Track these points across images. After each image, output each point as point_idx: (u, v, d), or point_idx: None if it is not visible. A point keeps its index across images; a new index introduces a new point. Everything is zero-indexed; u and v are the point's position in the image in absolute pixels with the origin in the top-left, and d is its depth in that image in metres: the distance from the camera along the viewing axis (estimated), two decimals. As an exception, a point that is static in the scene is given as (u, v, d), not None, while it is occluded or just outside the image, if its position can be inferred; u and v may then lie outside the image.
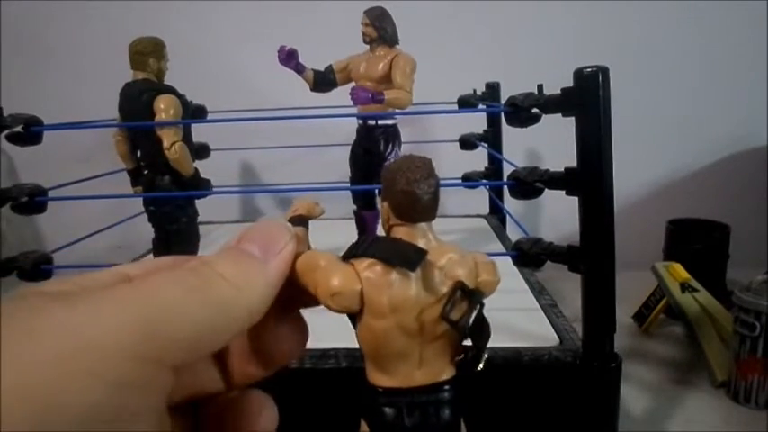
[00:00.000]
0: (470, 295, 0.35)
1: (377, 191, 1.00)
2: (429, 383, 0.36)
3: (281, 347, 0.28)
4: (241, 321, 0.21)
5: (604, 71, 0.62)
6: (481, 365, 0.36)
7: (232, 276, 0.20)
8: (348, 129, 1.04)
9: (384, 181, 0.36)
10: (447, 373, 0.37)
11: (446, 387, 0.37)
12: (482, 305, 0.35)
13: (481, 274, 0.37)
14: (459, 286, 0.35)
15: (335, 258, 0.33)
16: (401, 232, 0.36)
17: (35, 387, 0.15)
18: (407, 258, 0.33)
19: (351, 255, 0.34)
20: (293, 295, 0.27)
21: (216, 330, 0.19)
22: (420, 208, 0.36)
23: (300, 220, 0.39)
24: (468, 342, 0.36)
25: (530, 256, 0.69)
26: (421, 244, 0.35)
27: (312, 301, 0.29)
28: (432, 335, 0.35)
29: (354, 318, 0.36)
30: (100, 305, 0.17)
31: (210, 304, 0.19)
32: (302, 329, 0.30)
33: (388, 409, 0.36)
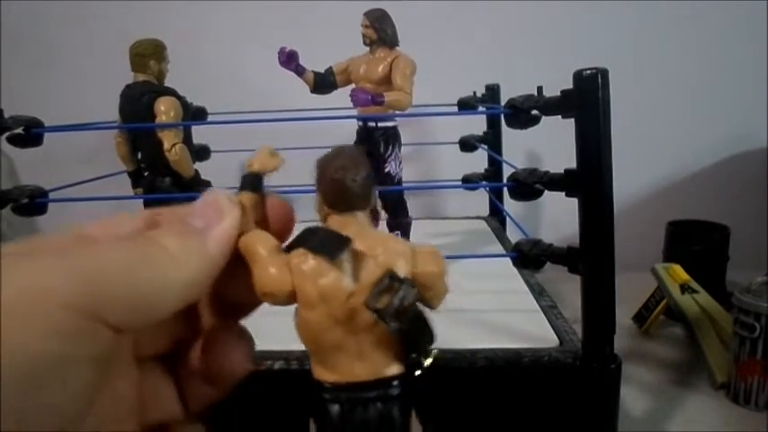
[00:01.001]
0: (401, 284, 0.33)
1: (377, 192, 1.01)
2: (373, 379, 0.35)
3: (229, 359, 0.29)
4: (178, 291, 0.21)
5: (604, 73, 0.62)
6: (424, 366, 0.34)
7: (172, 248, 0.21)
8: (348, 130, 1.05)
9: (316, 171, 0.37)
10: (394, 368, 0.36)
11: (393, 383, 0.36)
12: (415, 297, 0.34)
13: (422, 265, 0.36)
14: (389, 274, 0.33)
15: (274, 248, 0.32)
16: (334, 221, 0.36)
17: None
18: (329, 247, 0.33)
19: (292, 245, 0.34)
20: (236, 290, 0.27)
21: (153, 298, 0.20)
22: (349, 196, 0.35)
23: (253, 179, 0.36)
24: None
25: (529, 257, 0.69)
26: (352, 232, 0.34)
27: (253, 298, 0.29)
28: (364, 326, 0.34)
29: None
30: (43, 260, 0.18)
31: (148, 271, 0.20)
32: (247, 338, 0.30)
33: (332, 405, 0.35)
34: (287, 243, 0.34)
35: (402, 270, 0.35)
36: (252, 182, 0.35)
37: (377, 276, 0.33)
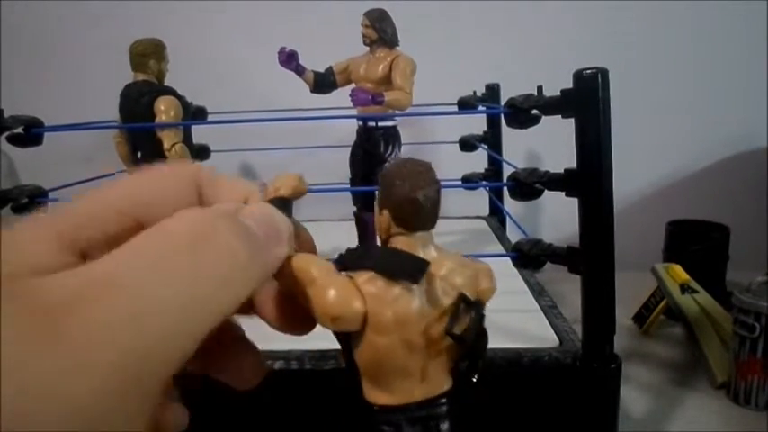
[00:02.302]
0: (473, 307, 0.34)
1: (377, 192, 1.01)
2: (428, 398, 0.35)
3: (242, 370, 0.26)
4: (234, 307, 0.18)
5: (604, 72, 0.62)
6: (477, 376, 0.35)
7: (242, 258, 0.17)
8: (348, 130, 1.05)
9: (383, 187, 0.35)
10: (445, 385, 0.36)
11: (443, 400, 0.36)
12: (483, 317, 0.35)
13: (481, 283, 0.36)
14: (463, 298, 0.34)
15: (331, 269, 0.31)
16: (401, 242, 0.34)
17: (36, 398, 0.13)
18: (410, 271, 0.32)
19: (347, 265, 0.32)
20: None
21: (204, 327, 0.17)
22: (423, 216, 0.34)
23: (283, 204, 0.31)
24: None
25: (530, 257, 0.69)
26: (421, 254, 0.34)
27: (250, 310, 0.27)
28: (436, 349, 0.34)
29: (345, 336, 0.34)
30: (87, 324, 0.15)
31: (215, 293, 0.17)
32: (254, 348, 0.27)
33: (386, 428, 0.35)
34: (336, 259, 0.32)
35: (468, 289, 0.35)
36: (281, 208, 0.30)
37: (450, 299, 0.33)
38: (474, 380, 0.35)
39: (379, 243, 0.37)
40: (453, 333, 0.32)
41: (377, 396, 0.35)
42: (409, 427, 0.35)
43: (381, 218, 0.35)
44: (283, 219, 0.22)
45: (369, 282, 0.31)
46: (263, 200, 0.27)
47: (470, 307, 0.34)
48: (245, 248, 0.18)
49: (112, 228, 0.19)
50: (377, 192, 0.35)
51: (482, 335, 0.34)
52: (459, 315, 0.33)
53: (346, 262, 0.32)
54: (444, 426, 0.36)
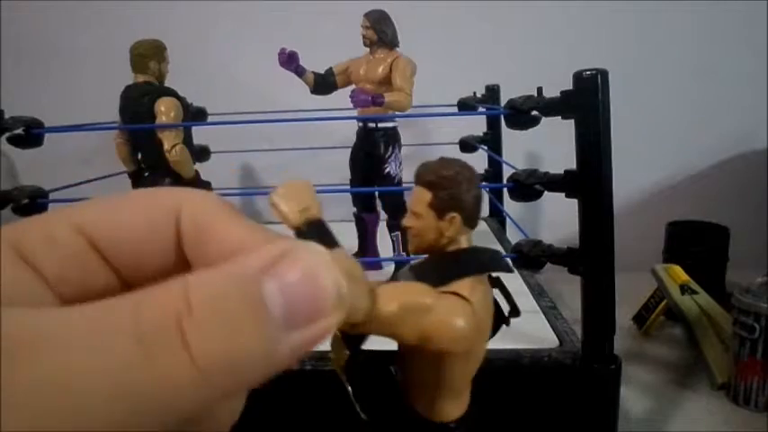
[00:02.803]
0: (501, 286, 0.37)
1: (377, 193, 1.01)
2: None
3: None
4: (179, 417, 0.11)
5: (603, 74, 0.62)
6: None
7: (250, 348, 0.12)
8: (348, 131, 1.05)
9: (455, 193, 0.34)
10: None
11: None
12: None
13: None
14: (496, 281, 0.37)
15: (433, 291, 0.30)
16: (468, 241, 0.35)
17: None
18: (500, 261, 0.33)
19: (440, 280, 0.31)
20: None
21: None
22: (480, 211, 0.36)
23: (317, 229, 0.23)
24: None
25: (529, 258, 0.69)
26: (474, 245, 0.36)
27: None
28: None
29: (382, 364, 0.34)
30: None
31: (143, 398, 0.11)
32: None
33: None
34: (413, 273, 0.32)
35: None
36: (318, 231, 0.23)
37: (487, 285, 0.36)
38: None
39: (397, 245, 0.39)
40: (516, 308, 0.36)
41: (453, 410, 0.34)
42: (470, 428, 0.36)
43: (443, 223, 0.33)
44: (330, 276, 0.13)
45: (473, 291, 0.31)
46: (289, 225, 0.20)
47: (501, 287, 0.37)
48: (253, 338, 0.12)
49: (63, 250, 0.14)
50: (428, 197, 0.34)
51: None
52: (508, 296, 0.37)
53: (436, 278, 0.31)
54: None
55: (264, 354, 0.12)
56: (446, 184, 0.33)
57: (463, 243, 0.33)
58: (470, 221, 0.33)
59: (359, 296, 0.17)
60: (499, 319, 0.35)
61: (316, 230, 0.21)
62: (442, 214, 0.32)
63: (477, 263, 0.30)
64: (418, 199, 0.33)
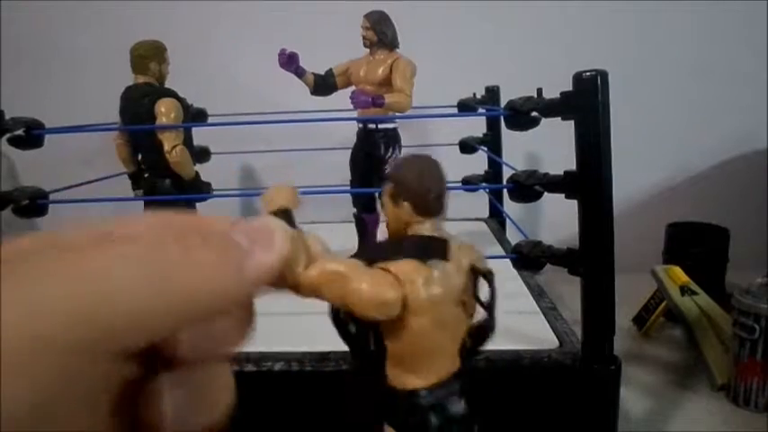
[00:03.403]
0: (486, 275, 0.38)
1: (377, 194, 1.01)
2: (449, 374, 0.38)
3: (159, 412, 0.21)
4: (200, 312, 0.17)
5: (603, 75, 0.62)
6: (492, 334, 0.40)
7: (208, 260, 0.17)
8: (348, 132, 1.05)
9: (400, 182, 0.38)
10: (458, 363, 0.40)
11: (458, 377, 0.39)
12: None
13: (479, 258, 0.41)
14: (474, 271, 0.38)
15: (358, 264, 0.33)
16: (425, 229, 0.38)
17: None
18: (438, 250, 0.36)
19: (379, 258, 0.35)
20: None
21: (169, 319, 0.16)
22: (441, 203, 0.39)
23: (285, 215, 0.34)
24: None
25: (529, 258, 0.69)
26: (437, 235, 0.38)
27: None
28: (460, 322, 0.37)
29: (345, 326, 0.37)
30: (40, 283, 0.15)
31: (174, 287, 0.16)
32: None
33: (424, 410, 0.37)
34: (358, 256, 0.35)
35: (476, 265, 0.39)
36: (284, 218, 0.32)
37: (465, 273, 0.38)
38: (490, 336, 0.40)
39: (380, 237, 0.40)
40: (480, 300, 0.37)
41: (412, 381, 0.38)
42: (441, 405, 0.37)
43: (399, 210, 0.38)
44: (279, 226, 0.21)
45: (404, 268, 0.35)
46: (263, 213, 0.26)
47: (485, 277, 0.38)
48: (214, 253, 0.18)
49: None
50: (388, 188, 0.39)
51: (495, 297, 0.39)
52: (478, 285, 0.38)
53: (376, 256, 0.35)
54: (461, 401, 0.39)
55: (234, 262, 0.17)
56: (398, 176, 0.38)
57: (422, 231, 0.38)
58: (421, 210, 0.37)
59: (298, 253, 0.24)
60: (482, 330, 0.38)
61: (281, 215, 0.30)
62: (396, 202, 0.38)
63: (414, 248, 0.35)
64: (384, 190, 0.39)
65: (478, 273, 0.37)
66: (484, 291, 0.40)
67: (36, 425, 0.13)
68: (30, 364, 0.13)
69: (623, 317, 1.11)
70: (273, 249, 0.19)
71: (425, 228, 0.37)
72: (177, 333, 0.17)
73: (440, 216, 0.38)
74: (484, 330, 0.38)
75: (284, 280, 0.24)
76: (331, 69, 1.00)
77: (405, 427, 0.38)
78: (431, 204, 0.38)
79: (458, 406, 0.38)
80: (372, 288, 0.31)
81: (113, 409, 0.17)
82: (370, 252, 0.36)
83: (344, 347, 0.64)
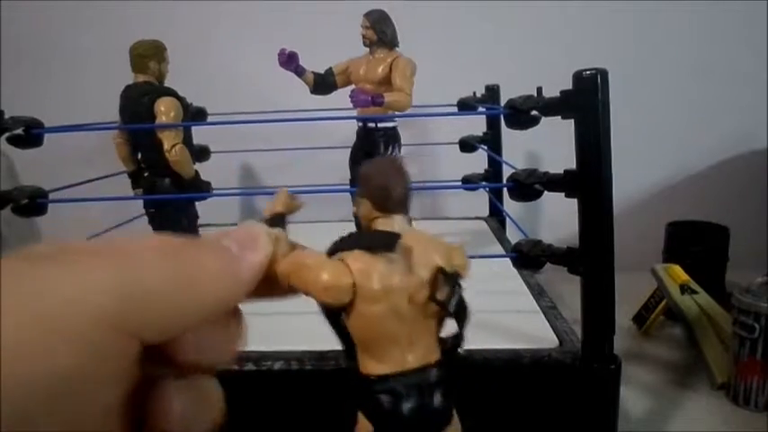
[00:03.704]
0: (450, 278, 0.37)
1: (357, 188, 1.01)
2: (420, 365, 0.39)
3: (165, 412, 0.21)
4: (206, 312, 0.21)
5: (603, 73, 0.62)
6: (461, 349, 0.39)
7: (211, 267, 0.21)
8: (348, 131, 1.05)
9: (362, 181, 0.41)
10: (434, 354, 0.39)
11: (435, 369, 0.40)
12: (461, 287, 0.38)
13: (455, 259, 0.40)
14: (440, 270, 0.37)
15: (321, 255, 0.36)
16: (382, 223, 0.40)
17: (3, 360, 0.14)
18: (385, 242, 0.37)
19: (335, 250, 0.37)
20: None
21: (185, 317, 0.19)
22: (396, 200, 0.40)
23: (279, 219, 0.40)
24: (447, 331, 0.39)
25: (529, 257, 0.69)
26: (397, 231, 0.39)
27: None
28: (420, 316, 0.37)
29: (336, 316, 0.38)
30: (80, 267, 0.17)
31: (188, 291, 0.19)
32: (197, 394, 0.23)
33: (384, 396, 0.38)
34: (327, 250, 0.37)
35: (444, 264, 0.39)
36: (278, 222, 0.40)
37: (428, 271, 0.38)
38: (459, 353, 0.39)
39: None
40: (438, 299, 0.36)
41: (373, 367, 0.39)
42: (406, 395, 0.38)
43: (362, 207, 0.41)
44: (262, 230, 0.25)
45: (356, 258, 0.36)
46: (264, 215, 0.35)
47: (448, 278, 0.37)
48: (216, 260, 0.21)
49: None
50: (358, 184, 0.41)
51: (463, 305, 0.38)
52: (439, 284, 0.37)
53: (336, 248, 0.37)
54: (438, 393, 0.39)
55: (230, 266, 0.22)
56: (361, 174, 0.41)
57: (378, 225, 0.40)
58: (378, 206, 0.39)
59: (281, 250, 0.28)
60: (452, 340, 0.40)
61: (273, 218, 0.38)
62: (360, 200, 0.40)
63: (362, 241, 0.37)
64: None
65: (443, 273, 0.37)
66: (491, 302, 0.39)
67: (59, 397, 0.15)
68: (70, 328, 0.16)
69: (623, 316, 1.11)
70: (259, 249, 0.24)
71: (384, 223, 0.39)
72: (186, 333, 0.20)
73: (399, 213, 0.40)
74: (453, 340, 0.39)
75: (271, 281, 0.27)
76: (331, 68, 1.00)
77: (363, 410, 0.39)
78: (388, 202, 0.39)
79: (416, 401, 0.39)
80: (326, 276, 0.34)
81: (123, 409, 0.19)
82: (334, 246, 0.38)
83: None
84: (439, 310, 0.37)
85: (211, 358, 0.22)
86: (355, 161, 1.02)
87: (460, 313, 0.38)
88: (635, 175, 1.42)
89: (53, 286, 0.16)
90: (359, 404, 0.40)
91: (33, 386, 0.15)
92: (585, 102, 0.62)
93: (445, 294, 0.37)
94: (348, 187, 1.04)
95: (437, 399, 0.40)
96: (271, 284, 0.26)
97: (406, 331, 0.38)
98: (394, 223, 0.40)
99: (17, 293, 0.15)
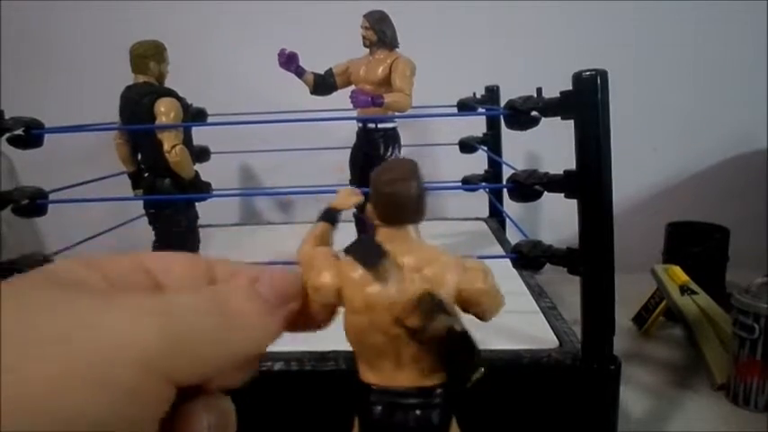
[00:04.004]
0: (435, 305, 0.33)
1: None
2: (414, 386, 0.36)
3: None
4: (239, 359, 0.21)
5: (603, 74, 0.62)
6: (467, 384, 0.33)
7: (249, 318, 0.22)
8: (348, 131, 1.05)
9: (370, 184, 0.37)
10: (434, 378, 0.36)
11: (433, 393, 0.36)
12: (455, 318, 0.33)
13: (472, 282, 0.36)
14: (427, 295, 0.33)
15: (330, 255, 0.35)
16: (383, 234, 0.36)
17: (40, 397, 0.14)
18: (367, 258, 0.34)
19: (345, 253, 0.36)
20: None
21: (217, 363, 0.20)
22: (399, 210, 0.35)
23: (333, 214, 0.42)
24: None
25: (529, 258, 0.69)
26: (401, 246, 0.35)
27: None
28: (404, 337, 0.34)
29: None
30: (126, 312, 0.17)
31: (224, 339, 0.20)
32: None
33: (375, 407, 0.36)
34: (345, 247, 0.36)
35: (449, 286, 0.35)
36: (331, 216, 0.43)
37: (419, 292, 0.33)
38: (466, 387, 0.33)
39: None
40: (405, 324, 0.33)
41: (366, 374, 0.37)
42: (393, 410, 0.36)
43: (369, 212, 0.38)
44: (296, 277, 0.26)
45: (349, 265, 0.34)
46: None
47: (434, 305, 0.33)
48: (255, 311, 0.22)
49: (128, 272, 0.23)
50: (369, 189, 0.38)
51: (453, 340, 0.32)
52: (420, 309, 0.33)
53: (345, 251, 0.36)
54: (431, 418, 0.36)
55: (267, 317, 0.23)
56: (371, 180, 0.37)
57: (378, 235, 0.36)
58: (381, 215, 0.36)
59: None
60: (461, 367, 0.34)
61: (327, 212, 0.44)
62: (369, 203, 0.37)
63: (354, 249, 0.35)
64: None
65: (430, 296, 0.33)
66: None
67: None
68: (117, 379, 0.16)
69: (623, 316, 1.11)
70: (293, 299, 0.25)
71: (383, 233, 0.36)
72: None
73: (409, 224, 0.36)
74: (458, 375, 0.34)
75: (305, 314, 0.30)
76: (331, 69, 1.00)
77: (358, 415, 0.38)
78: (388, 210, 0.35)
79: (409, 417, 0.36)
80: (318, 276, 0.33)
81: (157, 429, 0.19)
82: (346, 249, 0.37)
83: (343, 347, 0.63)
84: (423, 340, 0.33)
85: (232, 383, 0.24)
86: (355, 162, 1.02)
87: (452, 350, 0.32)
88: (635, 175, 1.42)
89: (97, 325, 0.16)
90: (355, 408, 0.39)
91: (68, 425, 0.14)
92: (585, 102, 0.62)
93: (415, 323, 0.32)
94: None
95: (431, 420, 0.37)
96: (305, 319, 0.28)
97: (394, 349, 0.35)
98: (397, 236, 0.36)
99: (54, 325, 0.15)
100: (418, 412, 0.36)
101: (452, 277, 0.36)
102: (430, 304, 0.33)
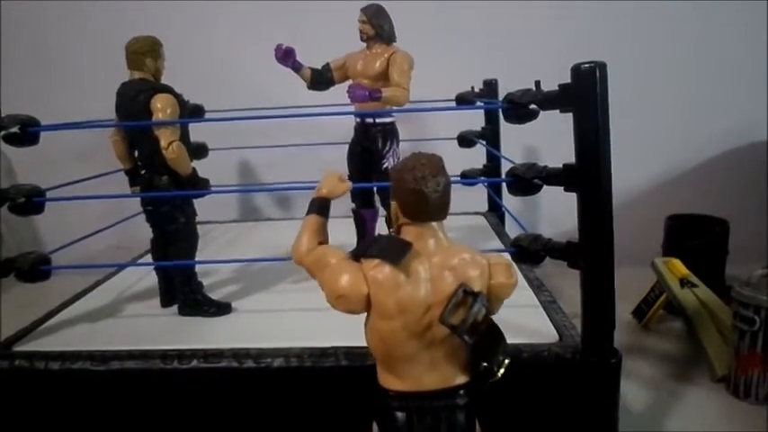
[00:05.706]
0: (474, 298, 0.34)
1: (375, 189, 1.00)
2: (441, 388, 0.36)
3: None
4: None
5: (602, 67, 0.62)
6: (497, 376, 0.36)
7: None
8: (346, 127, 1.04)
9: (392, 180, 0.37)
10: (461, 377, 0.37)
11: (460, 392, 0.36)
12: (488, 311, 0.34)
13: (495, 277, 0.37)
14: (463, 288, 0.34)
15: (345, 257, 0.34)
16: (408, 232, 0.36)
17: None
18: (391, 253, 0.33)
19: (359, 254, 0.35)
20: None
21: None
22: (429, 207, 0.36)
23: (322, 203, 0.40)
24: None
25: (529, 252, 0.69)
26: (430, 244, 0.35)
27: None
28: (440, 338, 0.34)
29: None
30: None
31: None
32: None
33: (399, 414, 0.36)
34: (352, 250, 0.35)
35: (477, 282, 0.36)
36: (320, 206, 0.40)
37: (452, 289, 0.34)
38: (493, 380, 0.36)
39: (378, 232, 0.39)
40: (447, 322, 0.34)
41: (388, 381, 0.37)
42: (420, 416, 0.35)
43: (393, 209, 0.37)
44: None
45: (375, 268, 0.34)
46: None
47: (472, 298, 0.34)
48: None
49: None
50: (391, 184, 0.38)
51: (490, 332, 0.34)
52: (458, 305, 0.34)
53: (358, 252, 0.36)
54: (458, 419, 0.36)
55: None
56: (394, 175, 0.37)
57: (405, 233, 0.36)
58: (407, 212, 0.36)
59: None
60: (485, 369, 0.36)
61: (315, 202, 0.41)
62: (392, 201, 0.37)
63: (379, 248, 0.34)
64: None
65: (465, 293, 0.34)
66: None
67: None
68: None
69: (623, 310, 1.11)
70: None
71: (411, 231, 0.35)
72: None
73: (434, 220, 0.36)
74: (481, 368, 0.35)
75: None
76: (328, 64, 1.00)
77: (379, 423, 0.37)
78: (416, 208, 0.35)
79: (433, 422, 0.36)
80: (342, 282, 0.32)
81: None
82: (360, 247, 0.36)
83: (343, 343, 0.63)
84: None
85: None
86: (353, 157, 1.02)
87: (484, 342, 0.34)
88: (634, 168, 1.41)
89: None
90: (374, 414, 0.38)
91: None
92: (584, 95, 0.62)
93: (461, 317, 0.33)
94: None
95: (458, 422, 0.37)
96: None
97: (426, 351, 0.35)
98: (425, 233, 0.36)
99: None
100: (445, 413, 0.36)
101: (481, 272, 0.37)
102: (470, 298, 0.34)
